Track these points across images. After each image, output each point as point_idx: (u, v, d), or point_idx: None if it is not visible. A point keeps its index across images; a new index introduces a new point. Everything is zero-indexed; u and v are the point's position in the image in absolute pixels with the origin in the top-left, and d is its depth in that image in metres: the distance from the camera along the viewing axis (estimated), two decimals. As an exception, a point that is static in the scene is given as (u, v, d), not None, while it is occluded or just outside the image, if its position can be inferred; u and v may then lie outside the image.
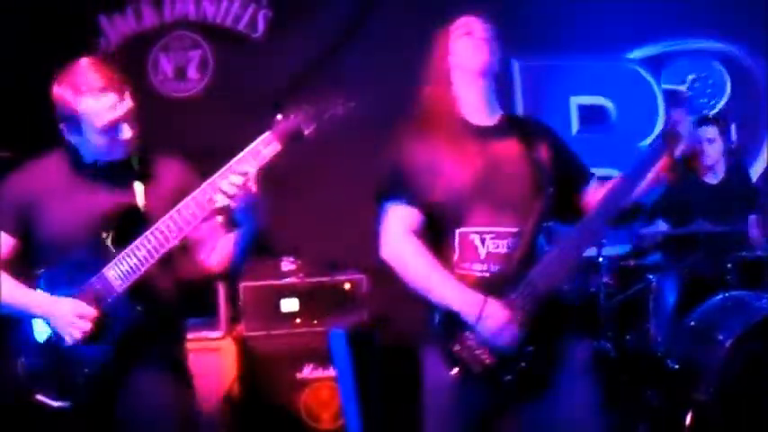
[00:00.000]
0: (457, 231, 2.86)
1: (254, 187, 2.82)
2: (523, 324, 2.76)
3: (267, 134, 2.82)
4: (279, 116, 2.83)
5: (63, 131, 2.96)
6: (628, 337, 5.13)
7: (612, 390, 4.78)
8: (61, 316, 2.85)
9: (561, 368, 2.87)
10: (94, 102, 2.86)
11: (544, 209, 2.93)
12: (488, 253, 2.85)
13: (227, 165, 2.82)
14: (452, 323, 2.79)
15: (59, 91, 2.90)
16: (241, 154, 2.82)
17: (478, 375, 2.77)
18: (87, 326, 2.84)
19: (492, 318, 2.73)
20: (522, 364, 2.79)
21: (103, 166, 3.00)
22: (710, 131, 5.50)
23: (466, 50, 2.97)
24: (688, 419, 4.30)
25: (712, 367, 4.32)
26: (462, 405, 2.83)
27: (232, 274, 3.25)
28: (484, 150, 2.91)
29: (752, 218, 5.45)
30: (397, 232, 2.87)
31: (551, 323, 2.84)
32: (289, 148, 2.82)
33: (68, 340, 2.86)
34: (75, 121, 2.90)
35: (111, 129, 2.89)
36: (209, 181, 2.83)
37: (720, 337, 4.39)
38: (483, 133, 2.97)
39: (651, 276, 5.04)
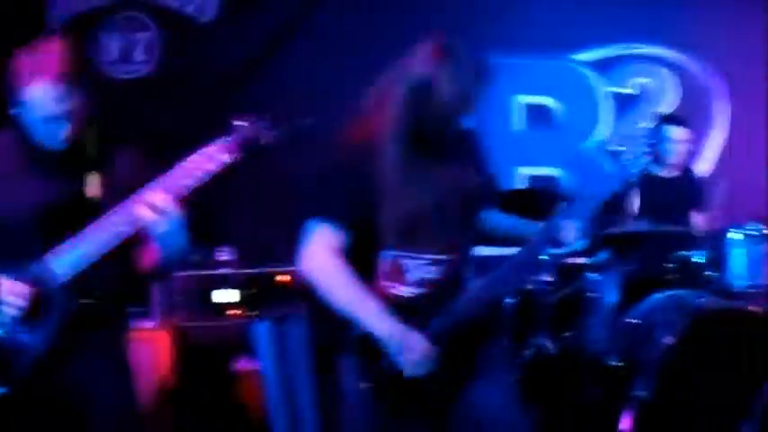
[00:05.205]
0: (387, 253, 2.84)
1: (177, 210, 2.78)
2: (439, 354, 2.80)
3: (225, 140, 2.78)
4: (238, 123, 2.79)
5: (11, 109, 2.90)
6: (567, 334, 5.14)
7: (552, 387, 4.81)
8: None
9: (476, 374, 2.90)
10: (42, 90, 2.81)
11: (474, 238, 2.99)
12: (418, 278, 2.86)
13: (180, 164, 2.77)
14: (372, 338, 2.79)
15: (15, 68, 2.85)
16: (197, 155, 2.78)
17: (389, 390, 2.80)
18: (21, 302, 2.76)
19: (412, 351, 2.75)
20: (433, 385, 2.82)
21: (58, 151, 2.93)
22: (674, 131, 5.56)
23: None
24: (628, 416, 4.33)
25: (652, 365, 4.36)
26: (375, 416, 2.84)
27: (158, 277, 3.19)
28: (425, 176, 2.85)
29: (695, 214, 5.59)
30: (320, 252, 2.82)
31: (467, 344, 2.88)
32: (243, 156, 2.79)
33: (4, 317, 2.79)
34: (21, 103, 2.86)
35: (52, 121, 2.84)
36: (162, 178, 2.77)
37: (660, 335, 4.43)
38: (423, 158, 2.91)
39: (591, 274, 5.06)
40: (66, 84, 2.82)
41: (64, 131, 2.87)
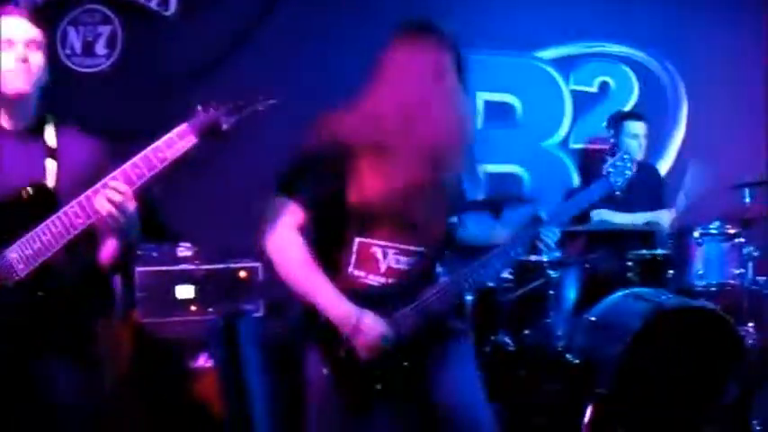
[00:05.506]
0: (357, 240, 2.85)
1: (134, 202, 2.75)
2: (402, 339, 2.81)
3: (184, 126, 2.74)
4: (198, 108, 2.76)
5: None
6: (527, 331, 5.16)
7: (511, 384, 4.83)
8: None
9: (442, 368, 2.91)
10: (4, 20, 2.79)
11: (448, 234, 3.01)
12: (389, 267, 2.87)
13: (141, 153, 2.73)
14: (331, 325, 2.81)
15: None
16: (156, 143, 2.73)
17: (351, 379, 2.81)
18: None
19: (365, 333, 2.76)
20: (397, 375, 2.84)
21: (16, 136, 2.88)
22: (636, 126, 5.61)
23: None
24: (587, 413, 4.35)
25: (612, 361, 4.39)
26: (339, 404, 2.85)
27: (117, 271, 3.15)
28: (397, 167, 2.86)
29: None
30: (284, 228, 2.83)
31: (431, 339, 2.89)
32: (204, 141, 2.76)
33: None
34: None
35: (6, 45, 2.80)
36: (121, 168, 2.73)
37: (620, 332, 4.46)
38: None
39: (551, 271, 5.08)
40: (29, 19, 2.81)
41: (19, 60, 2.81)
